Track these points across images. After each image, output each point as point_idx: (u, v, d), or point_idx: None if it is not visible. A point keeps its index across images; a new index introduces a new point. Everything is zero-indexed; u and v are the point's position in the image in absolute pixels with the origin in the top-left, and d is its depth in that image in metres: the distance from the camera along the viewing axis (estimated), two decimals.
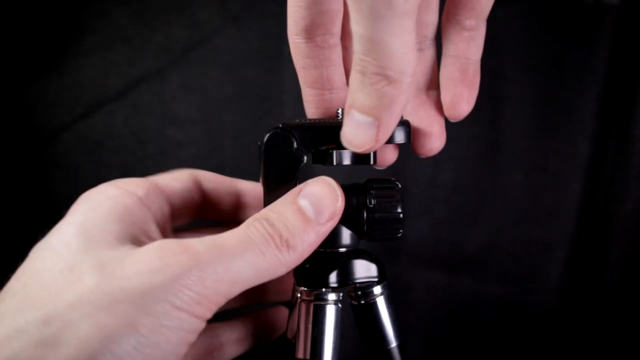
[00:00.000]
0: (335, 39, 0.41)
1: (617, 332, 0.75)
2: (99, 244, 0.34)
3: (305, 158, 0.39)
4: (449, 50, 0.42)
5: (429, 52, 0.43)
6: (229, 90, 0.74)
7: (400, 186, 0.42)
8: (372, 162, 0.41)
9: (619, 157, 0.72)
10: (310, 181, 0.38)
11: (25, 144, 0.72)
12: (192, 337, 0.33)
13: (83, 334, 0.30)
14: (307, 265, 0.41)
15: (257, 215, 0.36)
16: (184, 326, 0.32)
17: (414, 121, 0.43)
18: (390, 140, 0.39)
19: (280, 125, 0.39)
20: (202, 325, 0.33)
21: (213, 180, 0.44)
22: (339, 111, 0.41)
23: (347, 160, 0.41)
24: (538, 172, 0.75)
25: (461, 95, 0.41)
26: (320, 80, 0.42)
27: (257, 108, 0.75)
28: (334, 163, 0.40)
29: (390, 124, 0.35)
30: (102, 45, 0.72)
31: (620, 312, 0.75)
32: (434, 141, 0.43)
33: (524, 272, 0.77)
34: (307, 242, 0.36)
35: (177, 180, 0.42)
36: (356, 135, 0.35)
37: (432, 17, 0.42)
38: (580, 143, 0.73)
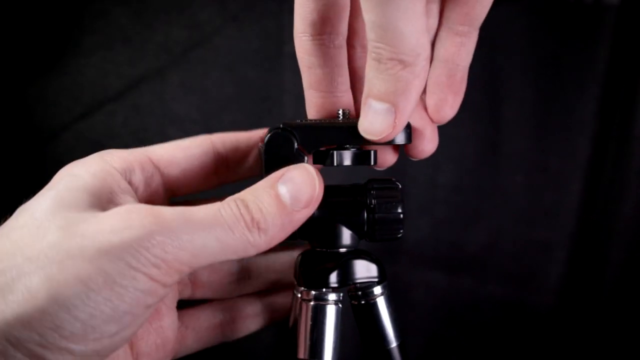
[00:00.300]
0: (342, 41, 0.42)
1: (617, 332, 0.75)
2: (72, 208, 0.34)
3: (305, 158, 0.39)
4: (439, 54, 0.42)
5: None
6: (229, 90, 0.74)
7: (400, 186, 0.42)
8: (372, 163, 0.42)
9: (619, 157, 0.72)
10: (291, 167, 0.38)
11: (25, 144, 0.72)
12: (150, 300, 0.34)
13: (33, 285, 0.31)
14: (308, 265, 0.42)
15: (235, 196, 0.37)
16: (139, 287, 0.33)
17: None
18: (390, 141, 0.39)
19: (281, 126, 0.39)
20: (161, 289, 0.34)
21: (229, 142, 0.44)
22: (340, 112, 0.41)
23: (347, 161, 0.41)
24: (538, 172, 0.75)
25: (445, 100, 0.42)
26: (324, 82, 0.42)
27: (257, 108, 0.75)
28: (335, 164, 0.41)
29: (407, 109, 0.36)
30: (102, 45, 0.72)
31: (620, 312, 0.75)
32: (426, 143, 0.43)
33: (524, 272, 0.77)
34: (279, 227, 0.37)
35: (181, 149, 0.43)
36: (374, 124, 0.36)
37: (432, 22, 0.42)
38: (580, 143, 0.73)
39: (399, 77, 0.34)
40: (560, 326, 0.77)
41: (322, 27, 0.41)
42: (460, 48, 0.41)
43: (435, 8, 0.42)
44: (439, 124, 0.43)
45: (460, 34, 0.41)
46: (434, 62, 0.42)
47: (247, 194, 0.37)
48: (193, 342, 0.47)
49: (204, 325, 0.47)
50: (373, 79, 0.35)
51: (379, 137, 0.37)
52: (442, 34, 0.41)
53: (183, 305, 0.46)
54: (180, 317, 0.46)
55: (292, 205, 0.37)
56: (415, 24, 0.33)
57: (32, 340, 0.31)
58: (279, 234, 0.37)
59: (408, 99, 0.35)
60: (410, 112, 0.36)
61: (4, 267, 0.32)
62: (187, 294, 0.47)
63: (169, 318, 0.44)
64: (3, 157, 0.71)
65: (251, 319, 0.48)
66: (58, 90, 0.72)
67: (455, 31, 0.41)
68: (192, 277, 0.47)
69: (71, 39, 0.72)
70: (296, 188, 0.37)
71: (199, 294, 0.48)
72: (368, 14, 0.33)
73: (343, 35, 0.42)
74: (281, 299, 0.49)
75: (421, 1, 0.33)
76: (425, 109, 0.43)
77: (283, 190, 0.37)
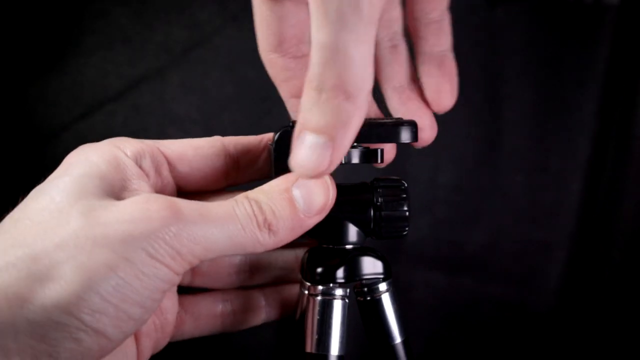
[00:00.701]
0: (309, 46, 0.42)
1: (617, 332, 0.75)
2: (91, 195, 0.35)
3: None
4: (421, 47, 0.43)
5: (402, 47, 0.44)
6: (229, 90, 0.74)
7: (406, 185, 0.43)
8: (379, 161, 0.42)
9: (619, 157, 0.73)
10: None
11: (25, 144, 0.72)
12: (167, 287, 0.35)
13: (67, 273, 0.32)
14: (315, 261, 0.42)
15: (249, 194, 0.37)
16: (160, 275, 0.34)
17: (404, 115, 0.44)
18: (396, 139, 0.39)
19: (291, 124, 0.39)
20: (176, 278, 0.35)
21: (241, 145, 0.44)
22: None
23: (355, 159, 0.41)
24: (538, 172, 0.75)
25: (443, 89, 0.43)
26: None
27: (257, 108, 0.75)
28: (343, 162, 0.41)
29: (345, 143, 0.34)
30: (102, 45, 0.72)
31: (620, 312, 0.75)
32: (427, 132, 0.43)
33: (524, 272, 0.77)
34: (289, 230, 0.37)
35: (193, 148, 0.43)
36: (309, 159, 0.34)
37: (397, 13, 0.43)
38: (580, 143, 0.74)
39: (341, 109, 0.32)
40: (560, 326, 0.77)
41: (287, 43, 0.41)
42: (439, 33, 0.42)
43: (397, 13, 0.43)
44: (443, 112, 0.44)
45: (434, 20, 0.41)
46: (420, 56, 0.43)
47: (260, 194, 0.37)
48: (191, 328, 0.47)
49: (203, 313, 0.47)
50: (311, 109, 0.33)
51: (314, 173, 0.34)
52: (417, 26, 0.42)
53: (184, 291, 0.47)
54: (180, 302, 0.46)
55: (305, 211, 0.37)
56: (365, 51, 0.32)
57: (72, 324, 0.32)
58: (288, 236, 0.38)
59: (347, 132, 0.33)
60: (348, 147, 0.34)
61: (36, 253, 0.33)
62: (186, 280, 0.47)
63: (169, 301, 0.45)
64: (3, 157, 0.71)
65: (252, 312, 0.49)
66: (58, 90, 0.72)
67: (428, 19, 0.41)
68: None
69: (71, 39, 0.72)
70: (310, 194, 0.38)
71: (198, 282, 0.48)
72: (318, 33, 0.32)
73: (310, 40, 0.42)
74: (284, 296, 0.49)
75: (375, 25, 0.32)
76: (421, 98, 0.44)
77: (297, 194, 0.37)
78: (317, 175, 0.35)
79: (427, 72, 0.43)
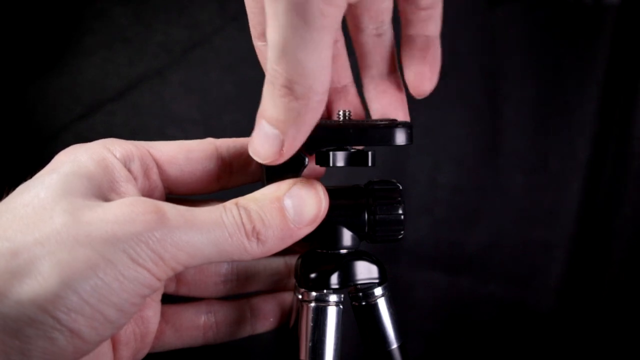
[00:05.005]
0: None
1: (617, 332, 0.75)
2: (77, 194, 0.35)
3: (306, 160, 0.39)
4: (407, 30, 0.42)
5: (387, 36, 0.43)
6: (229, 90, 0.74)
7: (401, 188, 0.42)
8: (370, 164, 0.41)
9: (619, 157, 0.72)
10: (299, 182, 0.38)
11: (25, 144, 0.72)
12: (147, 291, 0.34)
13: (46, 269, 0.32)
14: (309, 267, 0.42)
15: (240, 201, 0.37)
16: (140, 279, 0.34)
17: (377, 110, 0.43)
18: (390, 142, 0.39)
19: None
20: (158, 283, 0.35)
21: (234, 148, 0.44)
22: (340, 112, 0.41)
23: (345, 162, 0.41)
24: (538, 172, 0.75)
25: (423, 73, 0.41)
26: None
27: (257, 108, 0.74)
28: (331, 164, 0.40)
29: (296, 140, 0.35)
30: (102, 45, 0.72)
31: (621, 312, 0.75)
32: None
33: (524, 272, 0.77)
34: (279, 240, 0.37)
35: (184, 151, 0.42)
36: (262, 147, 0.35)
37: (387, 4, 0.41)
38: (580, 143, 0.74)
39: (290, 108, 0.33)
40: (561, 326, 0.77)
41: None
42: (428, 21, 0.41)
43: (387, 4, 0.41)
44: (420, 98, 0.43)
45: (424, 7, 0.40)
46: (405, 37, 0.42)
47: (250, 202, 0.37)
48: (172, 339, 0.47)
49: (184, 324, 0.47)
50: (266, 101, 0.34)
51: (265, 162, 0.36)
52: (407, 10, 0.41)
53: (167, 300, 0.46)
54: (161, 312, 0.46)
55: (295, 221, 0.37)
56: (317, 56, 0.32)
57: (47, 322, 0.32)
58: (277, 246, 0.37)
59: (298, 130, 0.34)
60: (300, 142, 0.35)
61: (17, 247, 0.32)
62: (171, 289, 0.47)
63: (151, 310, 0.44)
64: (3, 157, 0.71)
65: (237, 325, 0.48)
66: (58, 90, 0.72)
67: (418, 5, 0.40)
68: (178, 274, 0.47)
69: (71, 39, 0.72)
70: (302, 205, 0.37)
71: (183, 290, 0.48)
72: (270, 33, 0.32)
73: None
74: (276, 305, 0.49)
75: (329, 32, 0.32)
76: (396, 91, 0.43)
77: (288, 204, 0.37)
78: (269, 164, 0.36)
79: (409, 54, 0.42)
